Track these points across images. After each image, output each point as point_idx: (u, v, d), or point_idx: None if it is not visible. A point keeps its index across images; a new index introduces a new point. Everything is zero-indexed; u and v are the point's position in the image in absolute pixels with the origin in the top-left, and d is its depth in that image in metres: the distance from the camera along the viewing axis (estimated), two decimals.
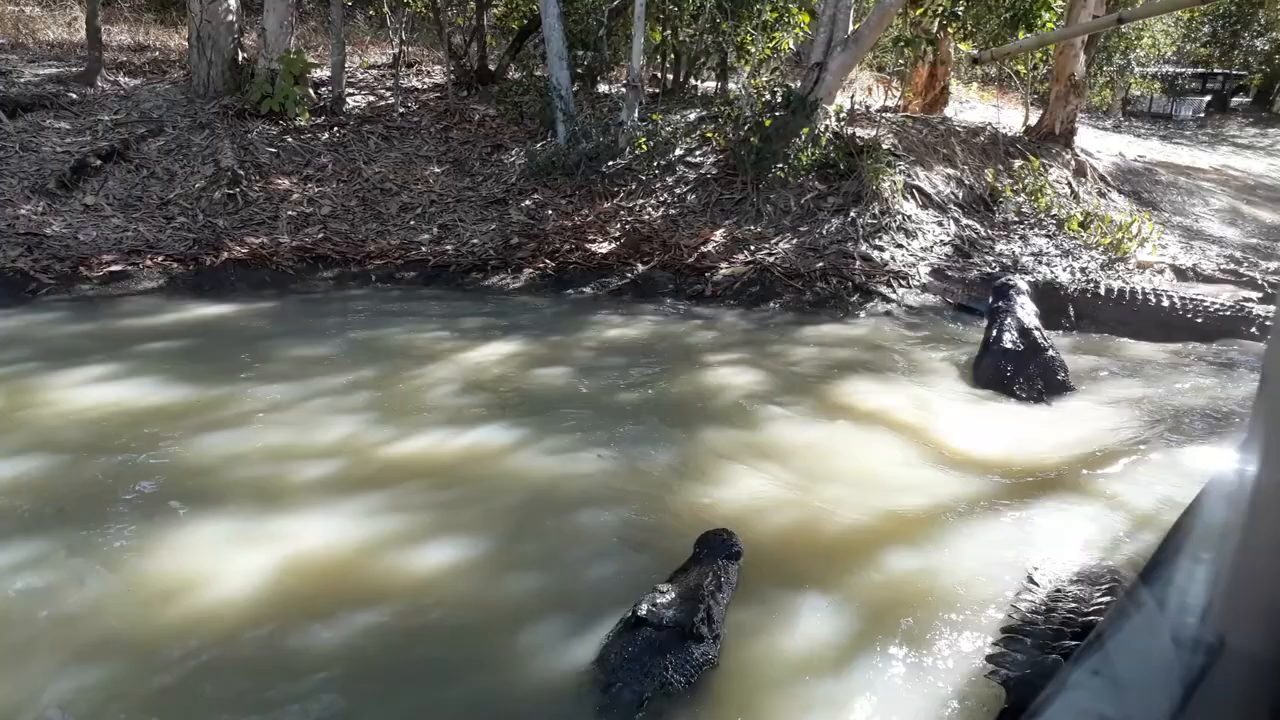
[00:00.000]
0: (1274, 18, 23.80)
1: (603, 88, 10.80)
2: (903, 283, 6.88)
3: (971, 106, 14.39)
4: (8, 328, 5.04)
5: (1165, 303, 5.95)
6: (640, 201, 8.13)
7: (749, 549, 2.79)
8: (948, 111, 11.59)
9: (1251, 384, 4.63)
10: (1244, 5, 22.73)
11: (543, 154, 8.45)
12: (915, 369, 5.15)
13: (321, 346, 5.03)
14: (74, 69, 8.94)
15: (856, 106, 10.44)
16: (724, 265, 7.04)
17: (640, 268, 6.96)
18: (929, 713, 2.22)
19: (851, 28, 8.49)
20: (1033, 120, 10.91)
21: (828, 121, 8.57)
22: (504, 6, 12.41)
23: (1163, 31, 17.54)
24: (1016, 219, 8.25)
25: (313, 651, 2.39)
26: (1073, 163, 9.79)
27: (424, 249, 7.11)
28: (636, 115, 8.90)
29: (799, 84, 8.73)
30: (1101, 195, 9.46)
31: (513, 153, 8.86)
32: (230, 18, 8.74)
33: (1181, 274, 7.63)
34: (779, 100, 8.22)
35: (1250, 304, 6.27)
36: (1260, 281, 7.48)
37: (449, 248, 7.17)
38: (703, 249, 7.25)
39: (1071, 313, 6.09)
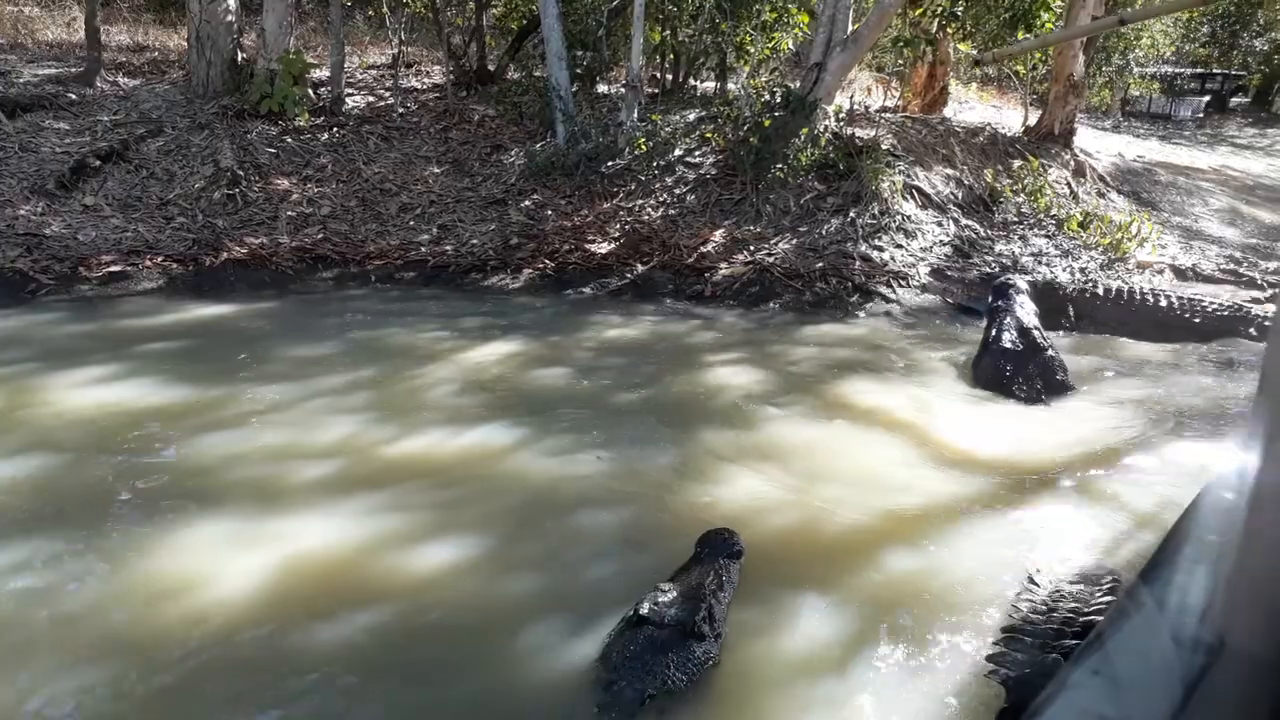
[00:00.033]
0: (1273, 18, 23.82)
1: (602, 88, 10.80)
2: (902, 283, 6.88)
3: (971, 107, 14.40)
4: (7, 328, 5.04)
5: (1165, 303, 5.95)
6: (640, 202, 8.13)
7: (750, 548, 2.79)
8: (947, 112, 11.59)
9: (1251, 384, 4.63)
10: (1243, 5, 22.75)
11: (542, 154, 8.46)
12: (915, 369, 5.16)
13: (321, 347, 5.03)
14: (73, 69, 8.94)
15: (856, 107, 10.45)
16: (723, 265, 7.04)
17: (640, 268, 6.97)
18: (929, 712, 2.22)
19: (851, 28, 8.49)
20: (1032, 120, 10.91)
21: (827, 122, 8.57)
22: (503, 7, 12.41)
23: (1162, 32, 17.55)
24: (1016, 219, 8.25)
25: (313, 651, 2.39)
26: (1072, 163, 9.80)
27: (423, 249, 7.11)
28: (636, 115, 8.90)
29: (798, 84, 8.73)
30: (1101, 195, 9.46)
31: (512, 153, 8.86)
32: (229, 18, 8.74)
33: (1181, 274, 7.63)
34: (778, 100, 8.22)
35: (1249, 304, 6.27)
36: (1260, 281, 7.49)
37: (448, 248, 7.17)
38: (702, 249, 7.26)
39: (1071, 313, 6.09)
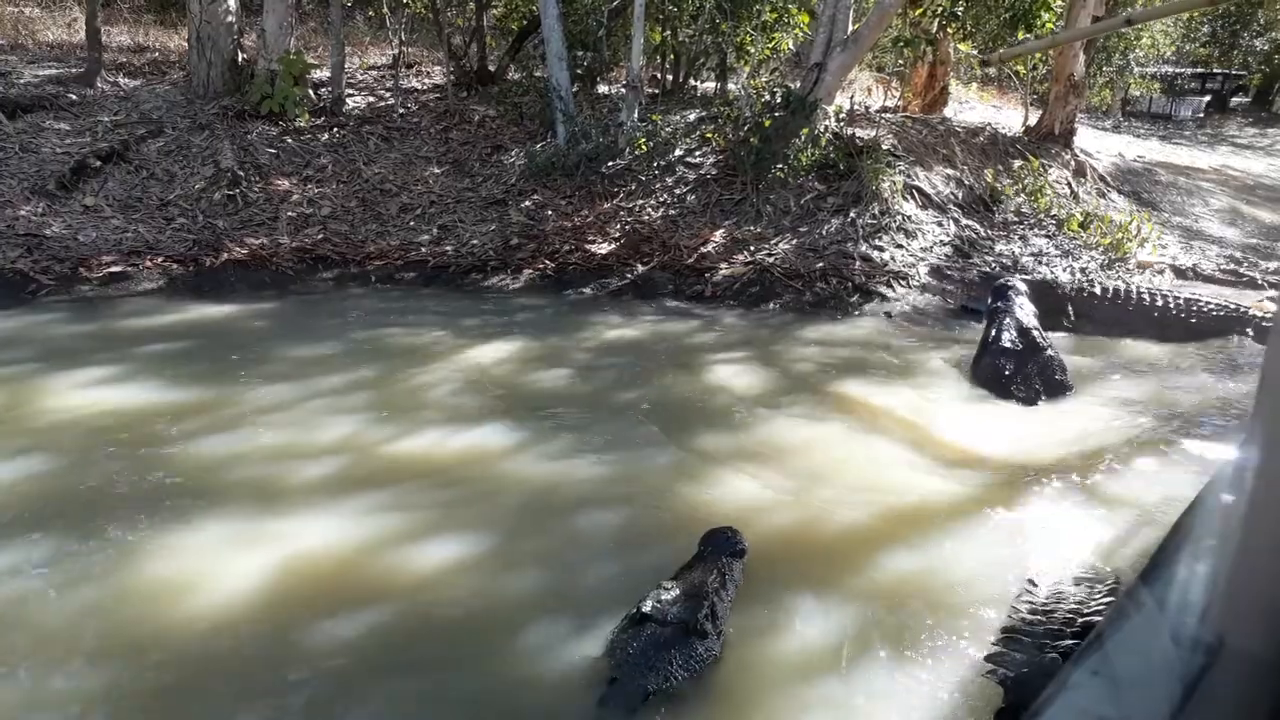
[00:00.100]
0: (1273, 18, 23.81)
1: (602, 88, 10.80)
2: (902, 283, 6.88)
3: (971, 107, 14.39)
4: (8, 329, 5.04)
5: (1164, 303, 5.95)
6: (640, 202, 8.13)
7: (751, 548, 2.80)
8: (947, 112, 11.59)
9: (1250, 384, 4.63)
10: (1243, 5, 22.74)
11: (542, 155, 8.46)
12: (914, 369, 5.16)
13: (321, 347, 5.03)
14: (74, 70, 8.94)
15: (856, 107, 10.45)
16: (724, 266, 7.04)
17: (640, 268, 6.97)
18: (929, 711, 2.22)
19: (851, 28, 8.49)
20: (1032, 120, 10.91)
21: (827, 122, 8.57)
22: (503, 7, 12.41)
23: (1162, 32, 17.54)
24: (1016, 219, 8.25)
25: (314, 651, 2.39)
26: (1072, 163, 9.80)
27: (424, 250, 7.11)
28: (636, 116, 8.90)
29: (798, 84, 8.73)
30: (1101, 195, 9.46)
31: (512, 153, 8.86)
32: (230, 19, 8.74)
33: (1181, 274, 7.64)
34: (778, 101, 8.22)
35: (1249, 305, 6.27)
36: (1260, 281, 7.48)
37: (449, 248, 7.17)
38: (702, 249, 7.26)
39: (1070, 313, 6.09)
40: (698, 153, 8.80)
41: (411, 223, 7.57)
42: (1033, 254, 7.60)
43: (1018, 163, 9.20)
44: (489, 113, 9.68)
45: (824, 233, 7.57)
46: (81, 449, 3.48)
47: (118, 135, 7.71)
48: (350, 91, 9.72)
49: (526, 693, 2.27)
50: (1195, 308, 5.91)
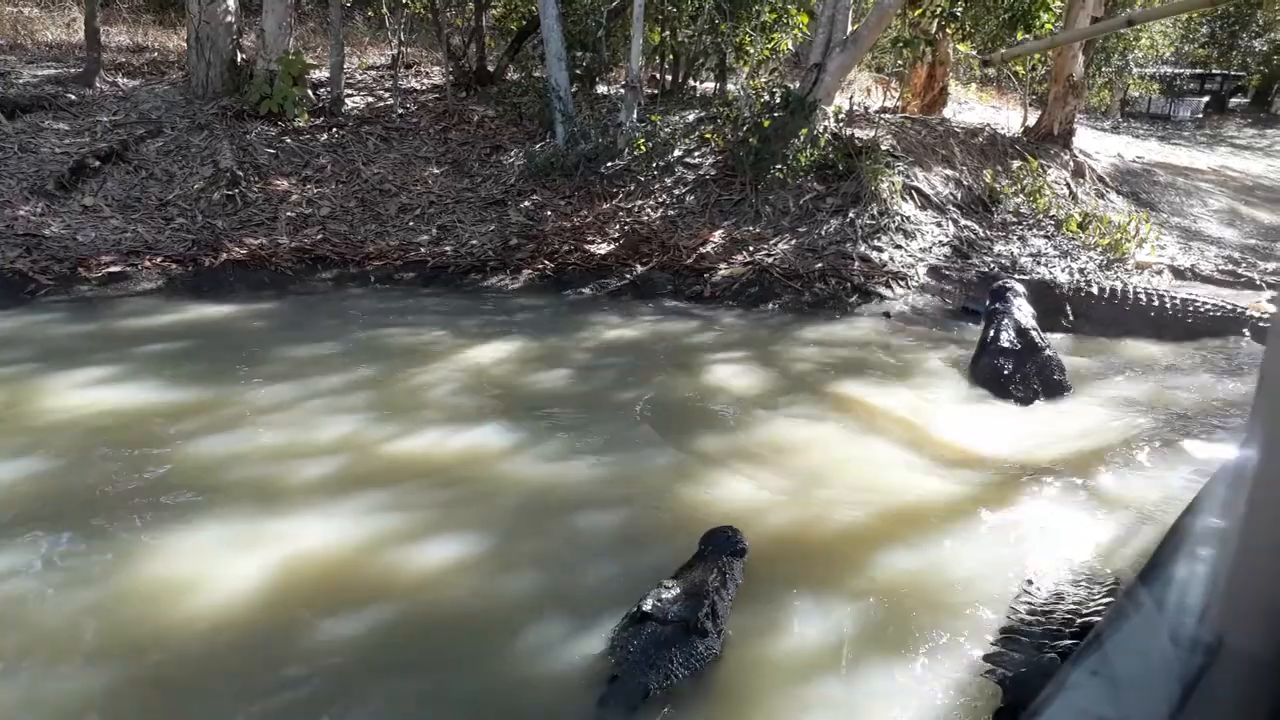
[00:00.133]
0: (1272, 19, 23.85)
1: (601, 89, 10.80)
2: (901, 283, 6.89)
3: (970, 107, 14.40)
4: (7, 329, 5.04)
5: (1162, 303, 5.96)
6: (639, 202, 8.13)
7: (751, 547, 2.80)
8: (946, 112, 11.59)
9: (1249, 384, 4.64)
10: (1242, 6, 22.77)
11: (541, 155, 8.46)
12: (913, 369, 5.16)
13: (320, 347, 5.03)
14: (73, 70, 8.94)
15: (855, 107, 10.45)
16: (723, 266, 7.04)
17: (639, 268, 6.97)
18: (928, 711, 2.23)
19: (850, 28, 8.50)
20: (1031, 121, 10.92)
21: (826, 122, 8.57)
22: (503, 7, 12.41)
23: (1161, 32, 17.56)
24: (1015, 220, 8.25)
25: (314, 650, 2.39)
26: (1071, 163, 9.80)
27: (423, 250, 7.11)
28: (635, 116, 8.90)
29: (798, 85, 8.74)
30: (1100, 196, 9.47)
31: (511, 154, 8.86)
32: (229, 19, 8.73)
33: (1180, 274, 7.64)
34: (778, 101, 8.23)
35: (1247, 305, 6.28)
36: (1258, 282, 7.49)
37: (448, 249, 7.17)
38: (701, 250, 7.26)
39: (1069, 313, 6.10)
40: (697, 153, 8.80)
41: (411, 223, 7.57)
42: (1031, 254, 7.60)
43: (1017, 163, 9.20)
44: (488, 113, 9.68)
45: (823, 233, 7.58)
46: (81, 449, 3.47)
47: (117, 135, 7.70)
48: (349, 92, 9.71)
49: (527, 692, 2.27)
50: (1193, 308, 5.92)
